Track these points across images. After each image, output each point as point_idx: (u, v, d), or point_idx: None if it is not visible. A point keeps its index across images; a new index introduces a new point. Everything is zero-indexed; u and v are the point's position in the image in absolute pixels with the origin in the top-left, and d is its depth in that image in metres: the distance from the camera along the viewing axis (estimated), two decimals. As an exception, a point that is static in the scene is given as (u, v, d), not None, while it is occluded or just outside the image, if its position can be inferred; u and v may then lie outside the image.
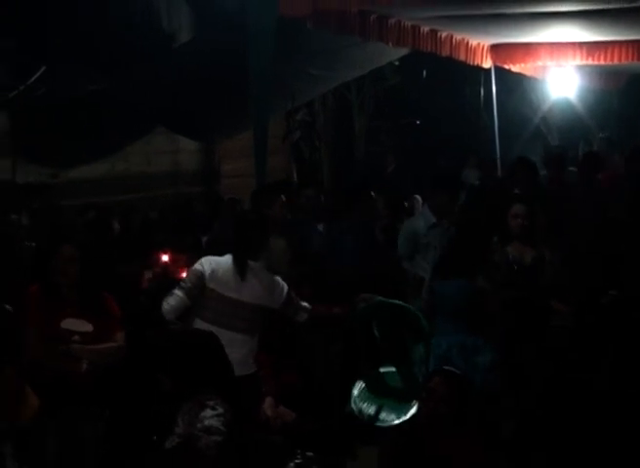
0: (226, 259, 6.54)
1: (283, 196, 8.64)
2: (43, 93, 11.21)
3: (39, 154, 12.65)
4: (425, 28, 11.29)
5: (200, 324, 6.33)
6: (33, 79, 11.08)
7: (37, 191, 11.75)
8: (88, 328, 5.93)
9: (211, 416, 4.75)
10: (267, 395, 6.25)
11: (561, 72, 15.40)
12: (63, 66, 11.27)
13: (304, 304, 6.72)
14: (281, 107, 13.00)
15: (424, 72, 17.02)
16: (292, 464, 5.50)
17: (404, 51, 12.48)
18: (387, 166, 15.61)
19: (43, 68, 10.98)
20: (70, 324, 5.89)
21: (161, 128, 13.36)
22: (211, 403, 4.80)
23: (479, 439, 5.37)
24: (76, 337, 5.88)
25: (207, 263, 6.52)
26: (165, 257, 8.88)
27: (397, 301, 6.09)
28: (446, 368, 5.77)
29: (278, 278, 6.64)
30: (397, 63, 15.44)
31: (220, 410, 4.79)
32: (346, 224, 9.12)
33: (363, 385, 5.68)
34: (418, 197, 12.04)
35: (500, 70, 13.88)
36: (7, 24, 10.35)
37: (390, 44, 11.05)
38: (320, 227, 9.35)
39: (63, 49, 11.10)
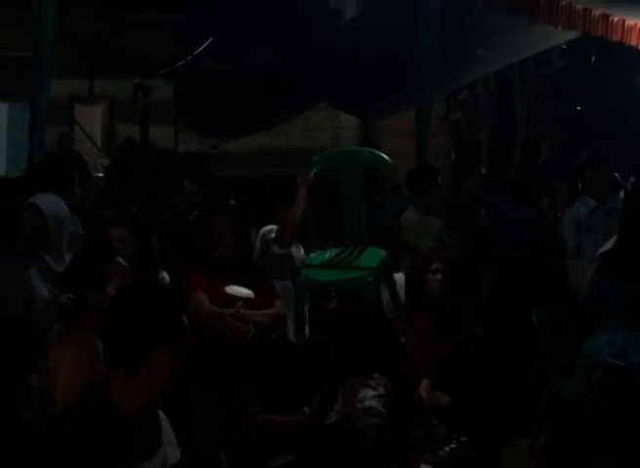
0: None
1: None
2: (208, 65, 11.34)
3: (201, 124, 12.83)
4: (597, 12, 11.00)
5: None
6: (199, 50, 11.22)
7: (198, 160, 11.91)
8: (250, 294, 5.96)
9: (371, 397, 4.72)
10: (425, 377, 6.17)
11: None
12: (229, 40, 11.39)
13: None
14: (446, 88, 12.89)
15: (593, 57, 16.62)
16: (446, 448, 5.45)
17: (572, 34, 12.21)
18: (542, 153, 15.36)
19: (209, 40, 11.11)
20: (234, 290, 5.92)
21: (322, 103, 13.38)
22: (372, 383, 4.77)
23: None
24: (240, 303, 5.89)
25: None
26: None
27: None
28: (611, 360, 5.55)
29: None
30: (565, 47, 15.12)
31: (382, 391, 4.75)
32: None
33: None
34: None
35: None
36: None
37: (560, 27, 10.82)
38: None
39: (230, 22, 11.22)
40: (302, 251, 7.24)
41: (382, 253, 7.08)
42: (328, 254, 7.25)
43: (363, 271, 6.92)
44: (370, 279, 6.86)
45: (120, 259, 4.42)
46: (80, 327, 4.22)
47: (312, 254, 7.23)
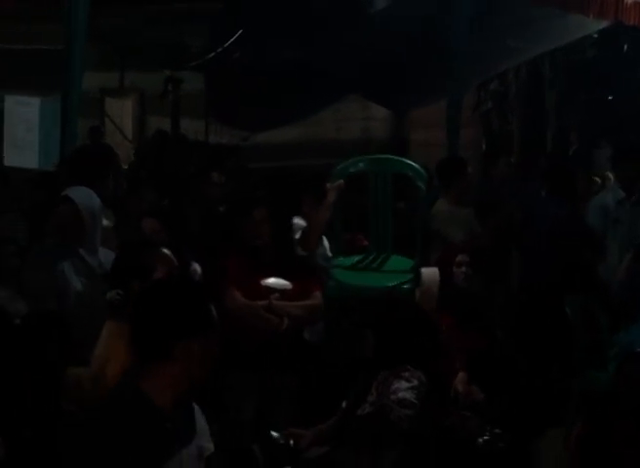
0: None
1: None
2: (238, 56, 11.35)
3: (231, 116, 12.84)
4: (629, 0, 10.93)
5: None
6: (230, 42, 11.23)
7: (228, 153, 11.92)
8: (287, 285, 5.96)
9: (405, 389, 4.73)
10: (460, 370, 6.17)
11: None
12: (260, 31, 11.39)
13: None
14: (477, 78, 12.85)
15: (625, 46, 16.49)
16: (480, 440, 5.44)
17: (603, 23, 12.13)
18: (572, 143, 15.28)
19: (240, 32, 11.11)
20: (270, 282, 5.92)
21: (353, 95, 13.37)
22: (406, 375, 4.77)
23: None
24: (276, 295, 5.90)
25: None
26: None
27: None
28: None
29: None
30: (596, 36, 15.02)
31: (415, 383, 4.76)
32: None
33: None
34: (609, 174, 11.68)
35: None
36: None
37: (591, 16, 10.75)
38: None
39: (261, 14, 11.22)
40: (326, 242, 7.23)
41: (409, 260, 7.04)
42: (355, 259, 7.22)
43: (400, 278, 6.88)
44: (407, 286, 6.82)
45: (164, 250, 4.44)
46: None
47: (339, 258, 7.20)
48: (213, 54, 11.17)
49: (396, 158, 7.35)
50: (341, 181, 6.95)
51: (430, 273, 6.79)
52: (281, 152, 13.50)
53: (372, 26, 10.97)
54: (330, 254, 7.18)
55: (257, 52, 11.63)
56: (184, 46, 12.44)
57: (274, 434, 5.07)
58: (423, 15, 10.45)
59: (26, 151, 10.23)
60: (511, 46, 11.89)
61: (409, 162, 7.18)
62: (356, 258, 7.20)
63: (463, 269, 6.59)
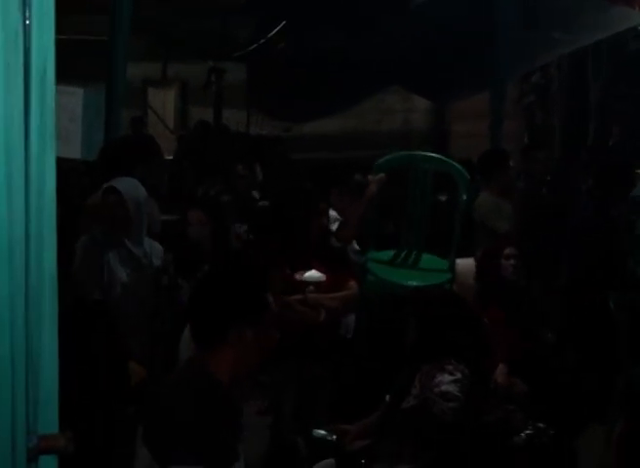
0: None
1: None
2: (281, 47, 11.35)
3: (273, 107, 12.85)
4: (676, -9, 10.86)
5: None
6: (272, 33, 11.23)
7: (269, 144, 11.94)
8: (321, 277, 5.94)
9: (448, 382, 4.70)
10: (501, 361, 6.12)
11: None
12: (302, 22, 11.39)
13: None
14: (520, 70, 12.79)
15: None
16: (522, 434, 5.41)
17: (648, 15, 12.03)
18: (614, 136, 15.14)
19: (283, 23, 11.12)
20: (304, 275, 5.92)
21: (395, 86, 13.34)
22: (450, 367, 4.75)
23: None
24: (311, 287, 5.86)
25: None
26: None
27: None
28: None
29: None
30: (640, 28, 14.91)
31: (458, 376, 4.73)
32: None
33: None
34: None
35: None
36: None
37: (637, 8, 10.67)
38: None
39: (303, 5, 11.21)
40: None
41: (441, 260, 6.98)
42: (389, 254, 7.17)
43: (440, 277, 6.83)
44: (449, 286, 6.77)
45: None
46: None
47: (372, 252, 7.15)
48: (256, 45, 11.17)
49: (440, 157, 7.26)
50: (383, 175, 6.91)
51: (466, 264, 6.75)
52: (322, 143, 13.49)
53: (414, 17, 10.94)
54: (357, 248, 7.14)
55: (299, 43, 11.63)
56: (228, 36, 12.45)
57: (318, 431, 5.05)
58: (466, 5, 10.40)
59: (69, 141, 10.25)
60: (555, 37, 11.81)
61: (453, 163, 7.10)
62: (391, 253, 7.14)
63: (512, 262, 6.52)
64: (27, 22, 2.12)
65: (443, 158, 7.19)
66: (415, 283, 6.74)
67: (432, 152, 7.33)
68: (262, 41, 11.07)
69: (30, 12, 2.11)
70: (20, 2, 2.10)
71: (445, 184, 7.82)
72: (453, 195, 7.48)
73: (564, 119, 16.21)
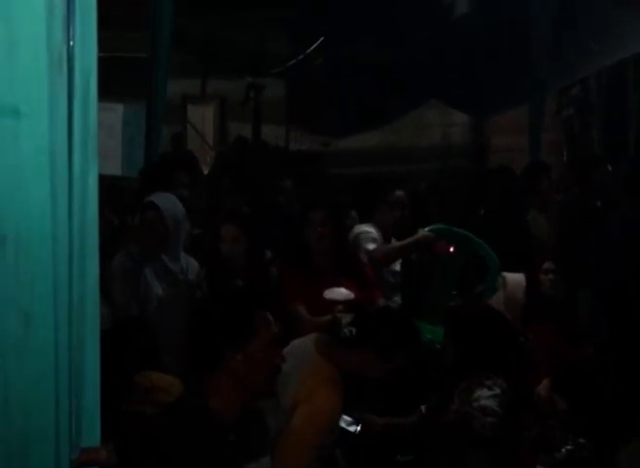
0: None
1: None
2: (319, 63, 11.41)
3: (312, 123, 12.89)
4: None
5: None
6: (311, 49, 11.29)
7: (308, 159, 11.97)
8: (349, 295, 5.86)
9: (487, 397, 4.70)
10: (545, 377, 6.10)
11: None
12: (341, 38, 11.43)
13: None
14: (559, 82, 12.76)
15: None
16: (563, 450, 5.39)
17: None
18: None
19: (321, 39, 11.17)
20: (332, 293, 5.81)
21: (434, 101, 13.34)
22: (489, 382, 4.75)
23: None
24: (340, 307, 5.73)
25: None
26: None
27: None
28: None
29: None
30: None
31: (497, 391, 4.73)
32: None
33: None
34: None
35: None
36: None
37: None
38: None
39: (342, 20, 11.26)
40: None
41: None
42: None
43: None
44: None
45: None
46: None
47: None
48: (294, 60, 11.23)
49: (477, 240, 7.18)
50: (432, 235, 6.86)
51: (515, 279, 6.73)
52: (361, 158, 13.50)
53: (453, 32, 10.96)
54: (398, 269, 7.11)
55: (338, 58, 11.68)
56: (266, 52, 12.53)
57: (345, 417, 4.99)
58: (504, 19, 10.40)
59: (109, 158, 10.35)
60: (594, 49, 11.77)
61: (489, 250, 7.05)
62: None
63: (550, 276, 6.53)
64: (71, 44, 2.17)
65: (482, 243, 7.14)
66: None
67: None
68: (301, 57, 11.13)
69: (74, 33, 2.17)
70: (63, 24, 2.15)
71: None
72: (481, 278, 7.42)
73: (603, 131, 16.15)
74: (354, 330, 4.64)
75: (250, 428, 3.39)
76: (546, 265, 6.49)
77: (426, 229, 6.93)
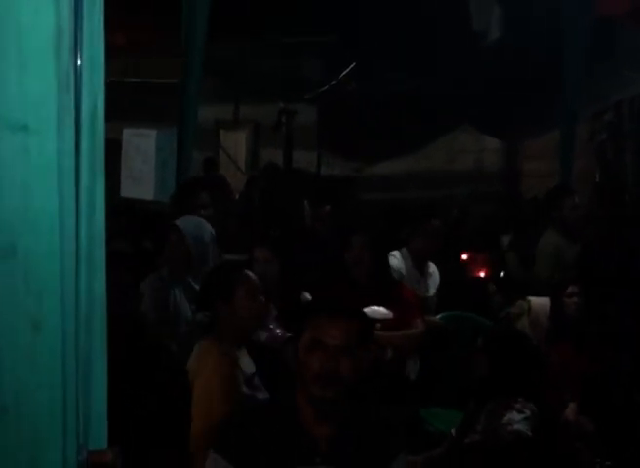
0: None
1: None
2: (352, 88, 11.45)
3: (344, 148, 12.94)
4: None
5: None
6: (343, 75, 11.34)
7: (340, 184, 12.01)
8: (388, 315, 5.93)
9: (518, 421, 4.68)
10: (571, 400, 6.08)
11: None
12: (373, 63, 11.49)
13: None
14: (591, 108, 12.75)
15: None
16: (590, 472, 5.37)
17: None
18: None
19: (353, 64, 11.22)
20: (371, 311, 5.87)
21: (466, 126, 13.36)
22: (517, 406, 4.73)
23: None
24: (378, 325, 5.82)
25: None
26: (464, 256, 8.86)
27: None
28: None
29: None
30: None
31: (528, 414, 4.71)
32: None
33: None
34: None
35: None
36: (326, 21, 10.62)
37: None
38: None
39: (374, 46, 11.32)
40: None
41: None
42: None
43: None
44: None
45: (249, 272, 4.59)
46: (221, 341, 4.39)
47: None
48: (326, 86, 11.28)
49: (477, 317, 7.19)
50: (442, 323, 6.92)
51: (540, 303, 6.73)
52: (394, 183, 13.54)
53: (485, 57, 10.99)
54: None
55: (370, 84, 11.73)
56: (298, 78, 12.61)
57: None
58: (536, 45, 10.43)
59: (143, 182, 10.45)
60: (626, 75, 11.77)
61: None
62: None
63: (574, 299, 6.53)
64: (79, 64, 2.24)
65: (482, 320, 7.16)
66: None
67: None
68: (333, 82, 11.17)
69: (81, 54, 2.24)
70: (71, 45, 2.22)
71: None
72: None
73: (636, 157, 16.09)
74: None
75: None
76: (570, 289, 6.50)
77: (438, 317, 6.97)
